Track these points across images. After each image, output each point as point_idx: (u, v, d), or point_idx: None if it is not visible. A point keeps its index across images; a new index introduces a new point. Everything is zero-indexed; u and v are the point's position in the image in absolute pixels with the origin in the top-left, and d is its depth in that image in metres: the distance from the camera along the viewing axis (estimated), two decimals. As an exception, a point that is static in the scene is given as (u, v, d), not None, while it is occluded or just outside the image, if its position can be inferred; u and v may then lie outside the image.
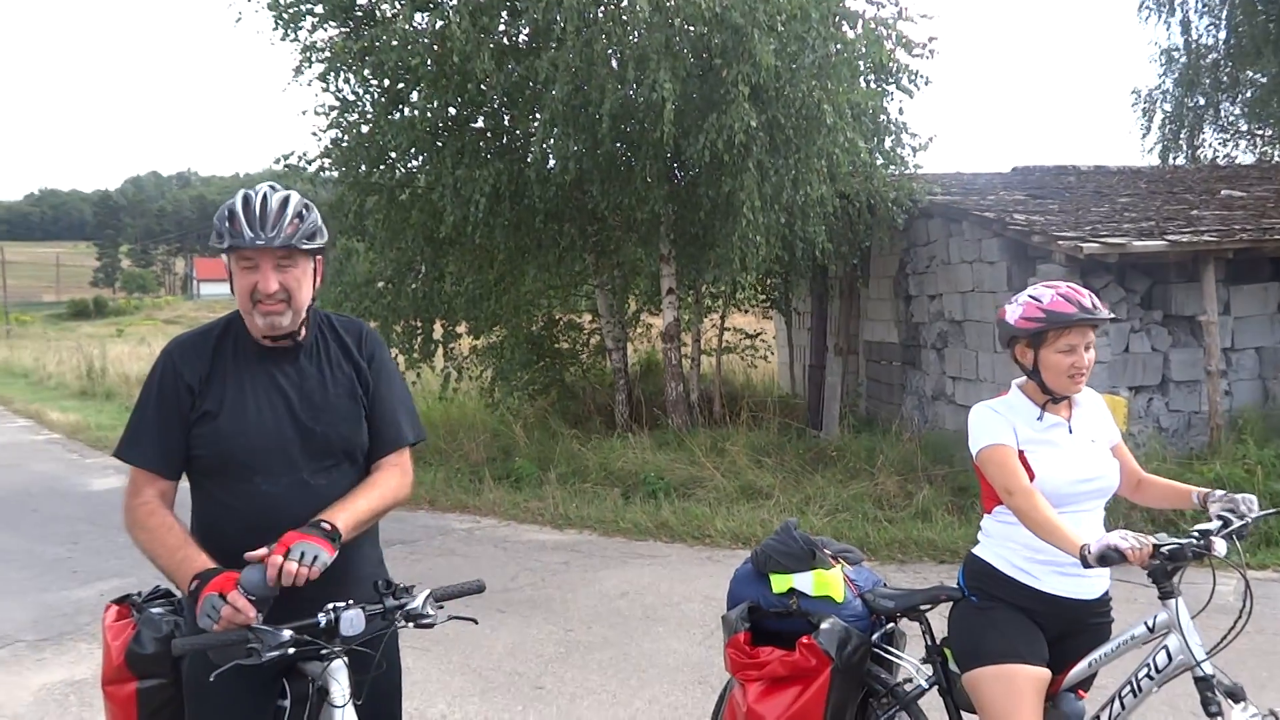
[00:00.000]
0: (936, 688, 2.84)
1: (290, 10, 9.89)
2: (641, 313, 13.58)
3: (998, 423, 2.66)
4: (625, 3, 8.75)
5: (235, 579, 2.04)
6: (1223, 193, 11.32)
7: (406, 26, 9.06)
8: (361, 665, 2.19)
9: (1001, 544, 2.70)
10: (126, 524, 2.29)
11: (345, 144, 10.39)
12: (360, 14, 10.10)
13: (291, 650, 2.04)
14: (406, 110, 9.97)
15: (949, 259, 9.99)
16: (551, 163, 9.49)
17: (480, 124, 10.37)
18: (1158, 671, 2.51)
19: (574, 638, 5.52)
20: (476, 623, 2.46)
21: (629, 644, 5.37)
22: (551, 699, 4.68)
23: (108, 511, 9.02)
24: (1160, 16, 21.46)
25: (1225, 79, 20.89)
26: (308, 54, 9.96)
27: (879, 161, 10.28)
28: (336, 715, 2.13)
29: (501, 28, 9.52)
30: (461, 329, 12.04)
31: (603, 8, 8.81)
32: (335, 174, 10.80)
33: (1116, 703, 2.59)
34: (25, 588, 6.84)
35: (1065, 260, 8.03)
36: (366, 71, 9.79)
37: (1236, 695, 2.37)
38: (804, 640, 2.83)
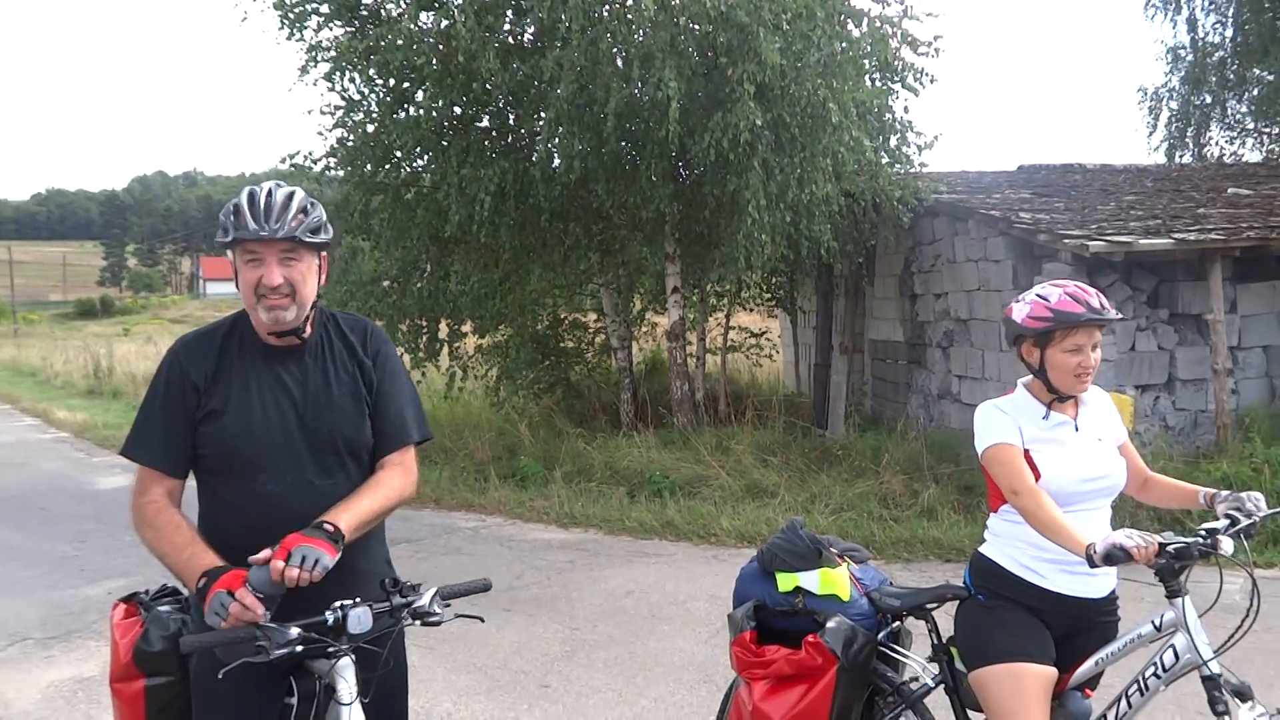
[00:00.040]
0: (943, 686, 2.84)
1: (296, 10, 9.91)
2: (646, 311, 13.58)
3: (1003, 422, 2.65)
4: (630, 1, 8.76)
5: (243, 576, 2.05)
6: (1229, 191, 11.28)
7: (412, 26, 9.08)
8: (368, 663, 2.19)
9: (1008, 543, 2.70)
10: (134, 522, 2.30)
11: (351, 143, 10.41)
12: (365, 13, 10.11)
13: (299, 648, 2.05)
14: (412, 109, 10.00)
15: (954, 257, 9.98)
16: (556, 162, 9.50)
17: (485, 123, 10.38)
18: (1165, 670, 2.50)
19: (579, 636, 5.52)
20: (483, 621, 2.46)
21: (634, 643, 5.38)
22: (557, 697, 4.68)
23: (115, 510, 9.05)
24: (1167, 14, 21.40)
25: (1232, 77, 20.81)
26: (313, 53, 9.99)
27: (884, 160, 10.27)
28: (344, 713, 2.13)
29: (506, 27, 9.53)
30: (467, 328, 12.05)
31: (608, 7, 8.82)
32: (341, 173, 10.83)
33: (1123, 701, 2.59)
34: (33, 586, 6.86)
35: (1071, 259, 8.01)
36: (372, 71, 9.81)
37: (1244, 694, 2.36)
38: (810, 639, 2.83)
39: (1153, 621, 2.54)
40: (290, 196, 2.27)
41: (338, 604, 2.12)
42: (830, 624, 2.84)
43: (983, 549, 2.79)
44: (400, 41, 8.94)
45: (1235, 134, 21.77)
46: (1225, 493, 2.62)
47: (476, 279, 11.26)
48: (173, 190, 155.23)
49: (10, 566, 7.41)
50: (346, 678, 2.14)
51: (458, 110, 10.04)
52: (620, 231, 10.89)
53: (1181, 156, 21.58)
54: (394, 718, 2.45)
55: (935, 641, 2.87)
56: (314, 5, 9.98)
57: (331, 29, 10.13)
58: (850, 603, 2.92)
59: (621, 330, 11.68)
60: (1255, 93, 20.77)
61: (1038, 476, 2.58)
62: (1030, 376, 2.72)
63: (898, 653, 2.95)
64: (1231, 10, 20.15)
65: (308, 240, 2.26)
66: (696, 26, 8.69)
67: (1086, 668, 2.64)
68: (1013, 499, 2.58)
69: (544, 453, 10.06)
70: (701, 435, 9.93)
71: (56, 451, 13.68)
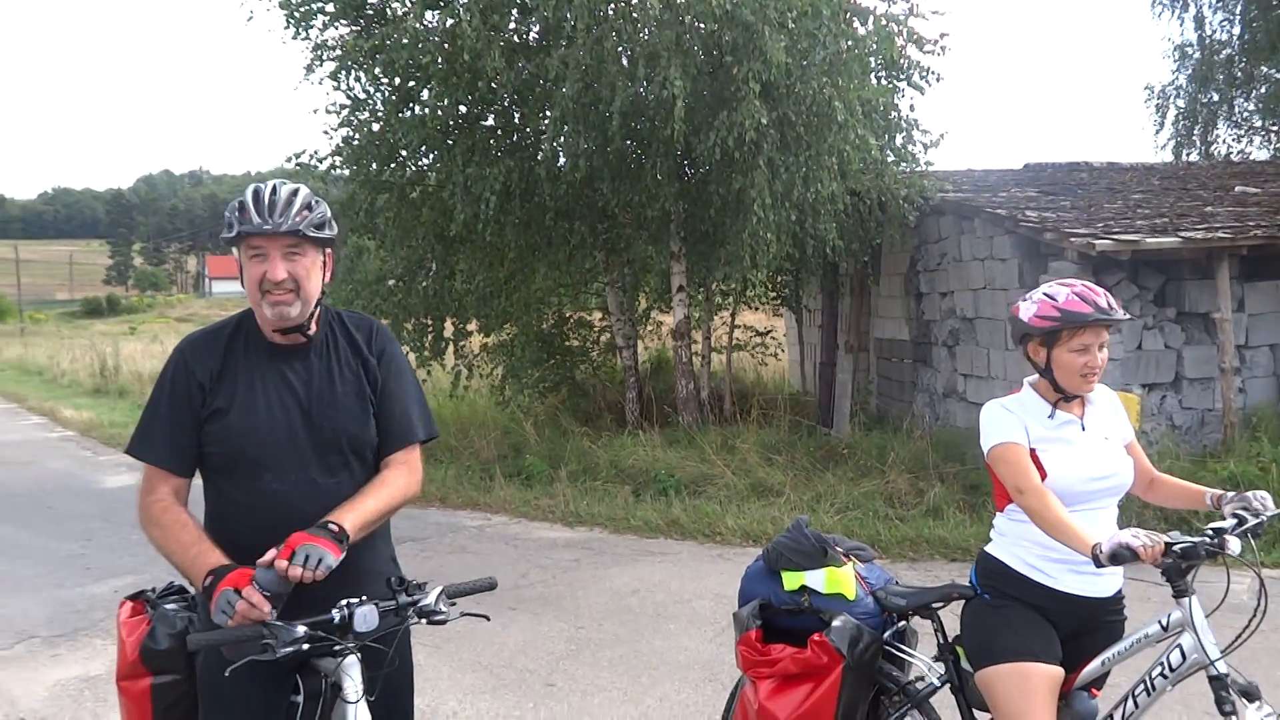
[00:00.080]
0: (949, 686, 2.84)
1: (301, 9, 9.91)
2: (652, 310, 13.58)
3: (1009, 421, 2.65)
4: (635, 0, 8.75)
5: (250, 575, 2.05)
6: (1237, 189, 11.25)
7: (417, 25, 9.08)
8: (374, 661, 2.20)
9: (1015, 542, 2.69)
10: (141, 521, 2.30)
11: (356, 142, 10.41)
12: (371, 12, 10.12)
13: (306, 646, 2.05)
14: (417, 108, 10.00)
15: (960, 256, 9.96)
16: (562, 160, 9.49)
17: (491, 122, 10.38)
18: (1171, 670, 2.50)
19: (585, 635, 5.52)
20: (488, 619, 2.47)
21: (640, 641, 5.38)
22: (563, 696, 4.68)
23: (121, 508, 9.07)
24: (1174, 12, 21.35)
25: (1239, 74, 20.74)
26: (319, 52, 9.99)
27: (890, 159, 10.24)
28: (349, 711, 2.14)
29: (512, 26, 9.53)
30: (472, 327, 12.06)
31: (613, 5, 8.81)
32: (346, 172, 10.83)
33: (1130, 701, 2.58)
34: (40, 584, 6.88)
35: (1078, 257, 7.99)
36: (377, 70, 9.81)
37: (1251, 694, 2.36)
38: (815, 638, 2.83)
39: (1159, 621, 2.53)
40: (295, 193, 2.28)
41: (344, 602, 2.13)
42: (836, 623, 2.84)
43: (989, 548, 2.78)
44: (405, 40, 8.94)
45: (1243, 132, 21.72)
46: (1232, 494, 2.61)
47: (482, 278, 11.27)
48: (178, 189, 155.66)
49: (17, 565, 7.44)
50: (352, 676, 2.15)
51: (463, 109, 10.04)
52: (625, 230, 10.88)
53: (1189, 155, 21.53)
54: (399, 716, 2.45)
55: (941, 641, 2.86)
56: (319, 4, 9.98)
57: (337, 28, 10.14)
58: (856, 602, 2.91)
59: (626, 329, 11.68)
60: (1263, 90, 20.71)
61: (1044, 476, 2.57)
62: (1036, 375, 2.71)
63: (903, 652, 2.94)
64: (1239, 8, 20.08)
65: (311, 235, 2.27)
66: (702, 25, 8.68)
67: (1093, 667, 2.64)
68: (1018, 498, 2.57)
69: (549, 451, 10.06)
70: (706, 434, 9.92)
71: (63, 450, 13.72)
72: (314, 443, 2.32)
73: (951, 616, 2.82)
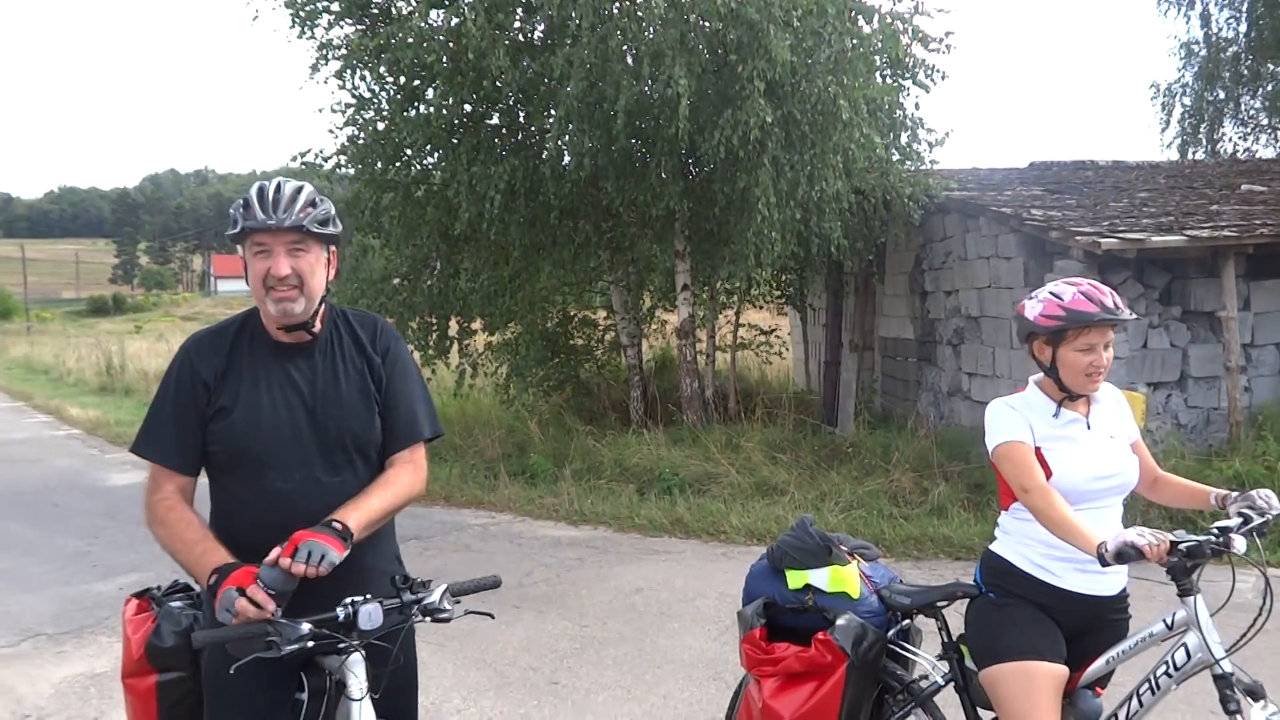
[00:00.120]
0: (953, 684, 2.83)
1: (306, 8, 9.93)
2: (656, 309, 13.58)
3: (1014, 419, 2.64)
4: (640, -1, 8.75)
5: (254, 573, 2.06)
6: (1243, 187, 11.22)
7: (422, 24, 9.09)
8: (379, 659, 2.20)
9: (1019, 541, 2.69)
10: (147, 519, 2.31)
11: (361, 141, 10.43)
12: (376, 11, 10.13)
13: (310, 643, 2.06)
14: (422, 107, 10.01)
15: (965, 255, 9.95)
16: (566, 159, 9.50)
17: (495, 120, 10.39)
18: (1176, 669, 2.49)
19: (589, 633, 5.53)
20: (493, 617, 2.47)
21: (644, 640, 5.38)
22: (566, 694, 4.69)
23: (127, 506, 9.10)
24: (1180, 9, 21.30)
25: (1245, 72, 20.69)
26: (324, 51, 10.01)
27: (895, 157, 10.23)
28: (354, 709, 2.14)
29: (517, 24, 9.54)
30: (477, 325, 12.07)
31: (618, 4, 8.82)
32: (351, 171, 10.85)
33: (1134, 700, 2.58)
34: (46, 581, 6.91)
35: (1083, 256, 7.97)
36: (382, 69, 9.83)
37: (1256, 693, 2.35)
38: (820, 636, 2.82)
39: (1164, 620, 2.53)
40: (299, 190, 2.28)
41: (348, 600, 2.13)
42: (840, 621, 2.84)
43: (994, 547, 2.78)
44: (411, 39, 8.95)
45: (1249, 130, 21.67)
46: (1237, 493, 2.61)
47: (486, 276, 11.27)
48: (184, 188, 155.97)
49: (23, 562, 7.46)
50: (357, 673, 2.15)
51: (468, 108, 10.05)
52: (630, 229, 10.88)
53: (1195, 153, 21.48)
54: (404, 714, 2.45)
55: (945, 639, 2.86)
56: (325, 3, 9.99)
57: (342, 27, 10.15)
58: (860, 600, 2.91)
59: (631, 328, 11.68)
60: (1269, 88, 20.67)
61: (1049, 474, 2.56)
62: (1042, 374, 2.71)
63: (908, 651, 2.94)
64: (1245, 5, 20.04)
65: (315, 231, 2.27)
66: (707, 23, 8.67)
67: (1097, 666, 2.63)
68: (1023, 497, 2.57)
69: (553, 450, 10.07)
70: (711, 433, 9.93)
71: (69, 448, 13.76)
72: (318, 441, 2.33)
73: (956, 615, 2.82)
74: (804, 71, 8.62)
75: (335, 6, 10.02)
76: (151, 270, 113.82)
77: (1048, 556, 2.62)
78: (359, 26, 10.14)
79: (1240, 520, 2.49)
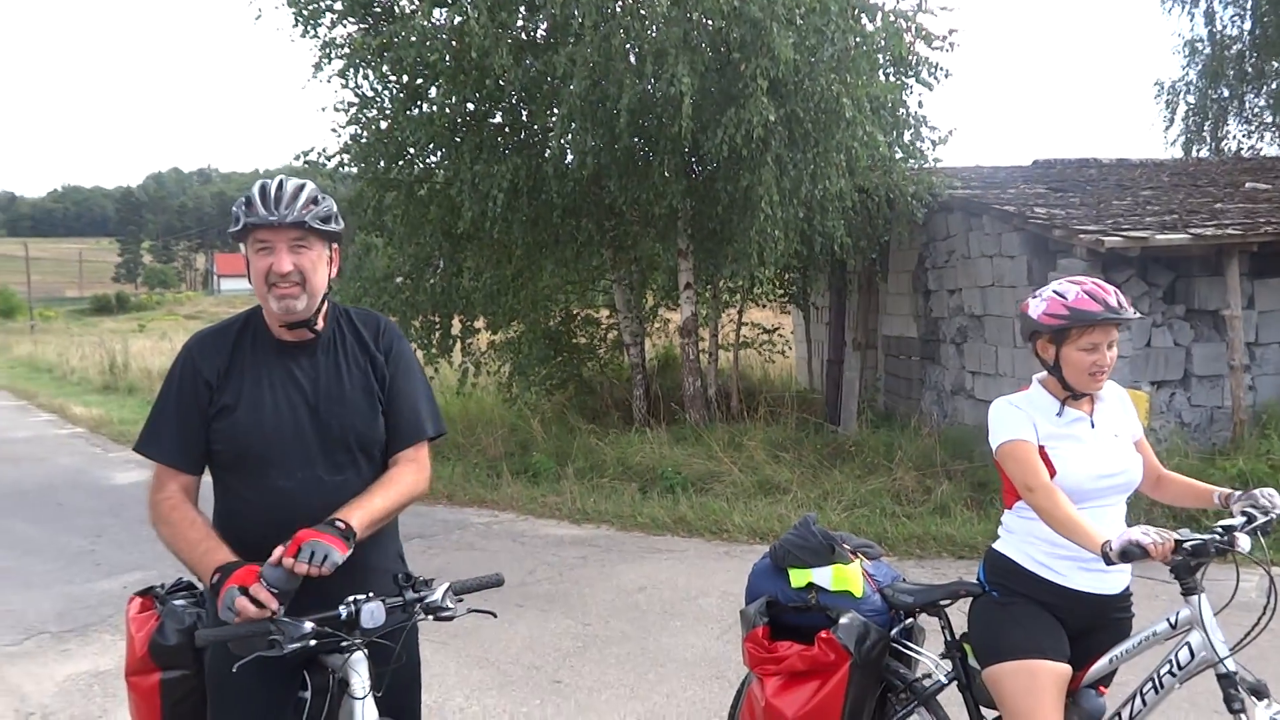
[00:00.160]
0: (956, 683, 2.83)
1: (309, 7, 9.93)
2: (659, 308, 13.58)
3: (1018, 418, 2.64)
4: (643, -3, 8.74)
5: (256, 572, 2.06)
6: (1247, 185, 11.19)
7: (425, 22, 9.09)
8: (381, 657, 2.20)
9: (1023, 539, 2.69)
10: (151, 518, 2.32)
11: (364, 140, 10.43)
12: (379, 10, 10.13)
13: (313, 642, 2.06)
14: (425, 106, 10.01)
15: (969, 253, 9.94)
16: (569, 158, 9.50)
17: (498, 119, 10.39)
18: (1180, 668, 2.49)
19: (592, 632, 5.53)
20: (495, 616, 2.47)
21: (647, 638, 5.38)
22: (569, 693, 4.69)
23: (130, 504, 9.11)
24: (1184, 7, 21.26)
25: (1250, 70, 20.64)
26: (327, 50, 10.02)
27: (898, 155, 10.23)
28: (356, 707, 2.14)
29: (520, 23, 9.53)
30: (479, 324, 12.07)
31: (621, 2, 8.81)
32: (354, 170, 10.85)
33: (1138, 699, 2.58)
34: (50, 580, 6.92)
35: (1086, 254, 7.96)
36: (385, 67, 9.82)
37: (1260, 692, 2.35)
38: (823, 635, 2.82)
39: (1168, 619, 2.53)
40: (301, 187, 2.29)
41: (351, 599, 2.13)
42: (843, 620, 2.83)
43: (997, 545, 2.78)
44: (414, 38, 8.95)
45: (1253, 128, 21.62)
46: (1240, 491, 2.60)
47: (489, 275, 11.28)
48: (187, 187, 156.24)
49: (27, 560, 7.47)
50: (359, 672, 2.15)
51: (471, 106, 10.05)
52: (633, 227, 10.88)
53: (1199, 151, 21.43)
54: (407, 712, 2.45)
55: (948, 638, 2.86)
56: (327, 2, 10.00)
57: (345, 26, 10.15)
58: (863, 599, 2.91)
59: (634, 326, 11.68)
60: (1274, 86, 20.62)
61: (1053, 473, 2.56)
62: (1045, 373, 2.71)
63: (911, 649, 2.94)
64: (1250, 3, 19.99)
65: (317, 228, 2.27)
66: (709, 22, 8.67)
67: (1101, 665, 2.63)
68: (1027, 496, 2.57)
69: (556, 449, 10.07)
70: (714, 431, 9.92)
71: (73, 447, 13.78)
72: (321, 440, 2.33)
73: (959, 614, 2.82)
74: (807, 70, 8.61)
75: (338, 5, 10.02)
76: (155, 269, 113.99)
77: (1051, 555, 2.62)
78: (362, 25, 10.14)
79: (1244, 519, 2.48)
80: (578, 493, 8.71)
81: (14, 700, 4.77)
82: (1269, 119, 21.26)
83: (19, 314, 62.58)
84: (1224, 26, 20.83)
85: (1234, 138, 21.70)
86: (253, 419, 2.30)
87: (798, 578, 2.97)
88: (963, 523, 7.28)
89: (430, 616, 2.24)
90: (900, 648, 2.93)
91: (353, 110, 10.44)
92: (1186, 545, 2.36)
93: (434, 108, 9.72)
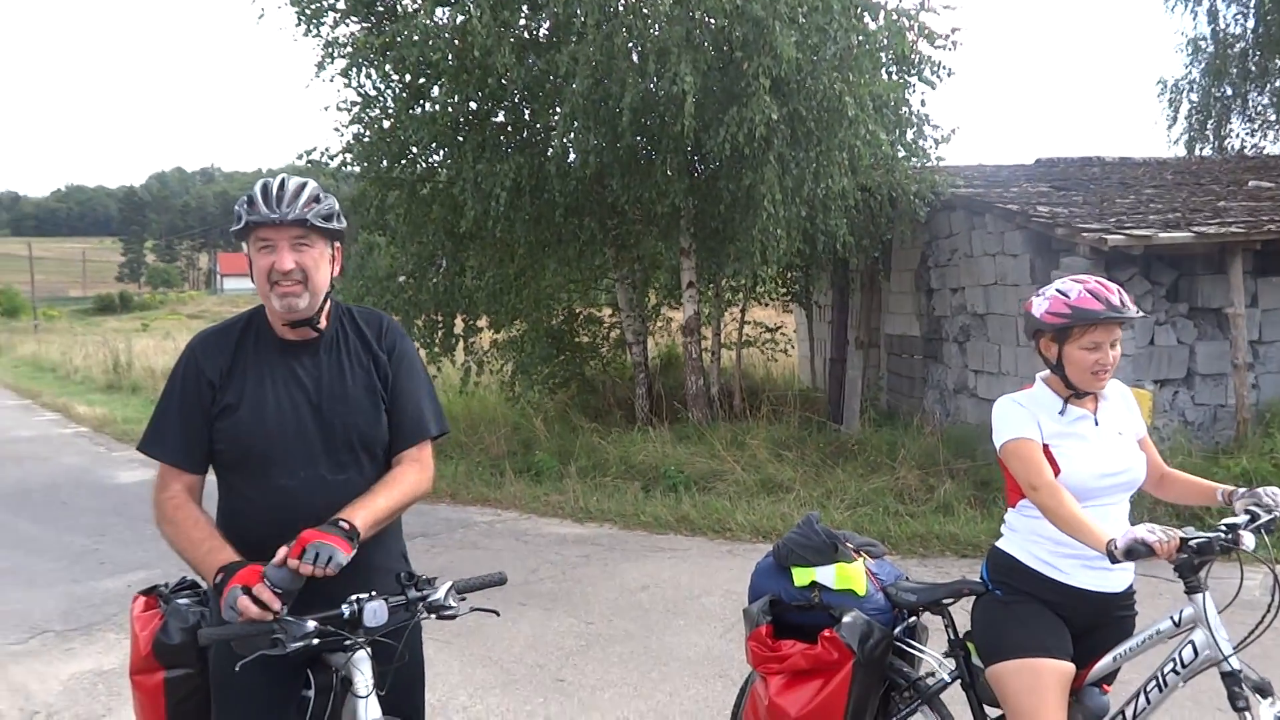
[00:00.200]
0: (959, 682, 2.83)
1: (312, 6, 9.93)
2: (661, 306, 13.57)
3: (1022, 416, 2.64)
4: (645, -4, 8.73)
5: (259, 572, 2.06)
6: (1250, 183, 11.17)
7: (428, 21, 9.09)
8: (385, 656, 2.20)
9: (1026, 538, 2.69)
10: (155, 518, 2.32)
11: (367, 139, 10.43)
12: (382, 9, 10.13)
13: (316, 641, 2.06)
14: (427, 105, 10.01)
15: (971, 252, 9.93)
16: (572, 157, 9.49)
17: (501, 118, 10.39)
18: (1184, 666, 2.49)
19: (595, 631, 5.53)
20: (498, 615, 2.47)
21: (650, 637, 5.38)
22: (573, 691, 4.69)
23: (134, 503, 9.13)
24: (1187, 5, 21.20)
25: (1253, 68, 20.58)
26: (330, 50, 10.02)
27: (901, 154, 10.21)
28: (360, 705, 2.15)
29: (522, 22, 9.52)
30: (482, 323, 12.08)
31: (623, 1, 8.80)
32: (357, 169, 10.85)
33: (1141, 697, 2.57)
34: (54, 579, 6.93)
35: (1090, 252, 7.95)
36: (388, 67, 9.82)
37: (1264, 690, 2.35)
38: (826, 634, 2.82)
39: (1171, 617, 2.52)
40: (302, 185, 2.29)
41: (354, 597, 2.14)
42: (846, 619, 2.83)
43: (1000, 544, 2.77)
44: (416, 37, 8.95)
45: (1256, 126, 21.56)
46: (1243, 489, 2.60)
47: (492, 274, 11.28)
48: (190, 186, 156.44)
49: (32, 559, 7.49)
50: (363, 670, 2.16)
51: (473, 105, 10.05)
52: (635, 226, 10.88)
53: (1202, 149, 21.38)
54: (411, 711, 2.46)
55: (952, 637, 2.86)
56: (330, 1, 10.00)
57: (348, 25, 10.16)
58: (866, 598, 2.91)
59: (636, 325, 11.68)
60: (1277, 84, 20.55)
61: (1057, 471, 2.56)
62: (1049, 371, 2.70)
63: (914, 648, 2.94)
64: (1253, 1, 19.93)
65: (319, 226, 2.27)
66: (712, 21, 8.66)
67: (1104, 663, 2.63)
68: (1031, 494, 2.56)
69: (559, 447, 10.07)
70: (716, 430, 9.92)
71: (77, 446, 13.80)
72: (324, 439, 2.33)
73: (962, 612, 2.82)
74: (810, 68, 8.60)
75: (341, 4, 10.02)
76: (158, 268, 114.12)
77: (1054, 553, 2.62)
78: (364, 24, 10.14)
79: (1248, 517, 2.48)
80: (580, 491, 8.71)
81: (19, 699, 4.79)
82: (1272, 117, 21.21)
83: (23, 313, 62.73)
84: (1227, 24, 20.78)
85: (1237, 136, 21.66)
86: (255, 418, 2.30)
87: (801, 576, 2.98)
88: (966, 521, 7.27)
89: (433, 615, 2.24)
90: (903, 646, 2.93)
91: (355, 109, 10.44)
92: (1192, 543, 2.36)
93: (436, 107, 9.72)
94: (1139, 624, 2.70)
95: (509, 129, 10.33)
